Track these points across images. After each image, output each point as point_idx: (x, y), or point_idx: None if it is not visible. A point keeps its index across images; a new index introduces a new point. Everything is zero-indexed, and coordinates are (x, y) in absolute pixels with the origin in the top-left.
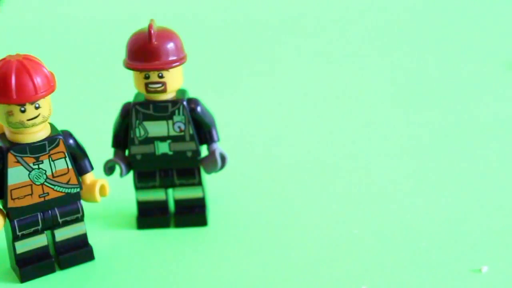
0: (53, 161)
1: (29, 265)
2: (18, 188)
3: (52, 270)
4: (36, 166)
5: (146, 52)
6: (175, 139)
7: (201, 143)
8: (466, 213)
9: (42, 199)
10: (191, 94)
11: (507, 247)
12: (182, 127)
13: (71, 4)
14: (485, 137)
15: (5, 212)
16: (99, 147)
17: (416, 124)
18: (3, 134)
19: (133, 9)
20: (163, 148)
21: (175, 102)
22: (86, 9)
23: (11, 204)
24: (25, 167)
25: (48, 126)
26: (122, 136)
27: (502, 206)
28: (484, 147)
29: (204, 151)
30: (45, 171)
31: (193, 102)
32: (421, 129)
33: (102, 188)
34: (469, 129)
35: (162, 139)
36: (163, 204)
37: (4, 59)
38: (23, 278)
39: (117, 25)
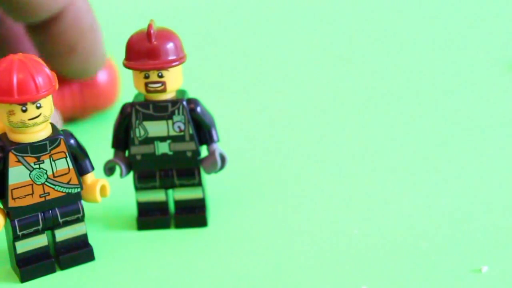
0: (54, 161)
1: (29, 265)
2: (19, 187)
3: (52, 270)
4: (37, 166)
5: (145, 52)
6: (175, 139)
7: (201, 143)
8: (466, 213)
9: (43, 199)
10: (191, 94)
11: (507, 247)
12: (182, 127)
13: None
14: (485, 137)
15: (5, 211)
16: (99, 147)
17: (416, 125)
18: (4, 134)
19: (133, 9)
20: (163, 148)
21: (174, 102)
22: None
23: (11, 203)
24: (26, 167)
25: (49, 126)
26: (122, 137)
27: (502, 206)
28: (484, 147)
29: (204, 151)
30: (46, 171)
31: (192, 102)
32: (421, 129)
33: (102, 189)
34: (469, 129)
35: (162, 139)
36: (163, 204)
37: (6, 58)
38: (23, 278)
39: (117, 25)
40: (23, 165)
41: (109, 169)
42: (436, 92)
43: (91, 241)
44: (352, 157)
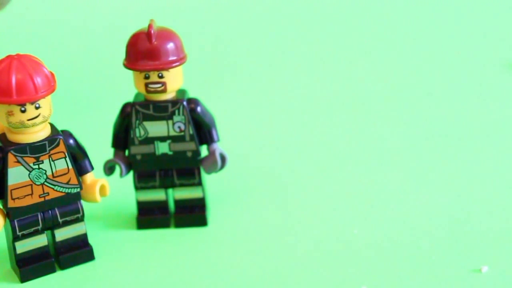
0: (53, 161)
1: (29, 265)
2: (18, 188)
3: (52, 270)
4: (36, 166)
5: (146, 52)
6: (175, 139)
7: (201, 143)
8: (466, 213)
9: (42, 199)
10: (191, 94)
11: (507, 247)
12: (182, 127)
13: (72, 4)
14: (485, 137)
15: (5, 212)
16: (99, 147)
17: (416, 125)
18: (3, 134)
19: (133, 9)
20: (163, 148)
21: (175, 102)
22: (86, 9)
23: (11, 204)
24: (25, 167)
25: (48, 126)
26: (122, 136)
27: (502, 206)
28: (484, 147)
29: (204, 151)
30: (45, 171)
31: (193, 102)
32: (421, 129)
33: (102, 188)
34: (469, 129)
35: (162, 139)
36: (163, 204)
37: (4, 59)
38: (23, 278)
39: (117, 25)
40: (22, 165)
41: (109, 169)
42: (436, 92)
43: (91, 240)
44: (352, 157)
